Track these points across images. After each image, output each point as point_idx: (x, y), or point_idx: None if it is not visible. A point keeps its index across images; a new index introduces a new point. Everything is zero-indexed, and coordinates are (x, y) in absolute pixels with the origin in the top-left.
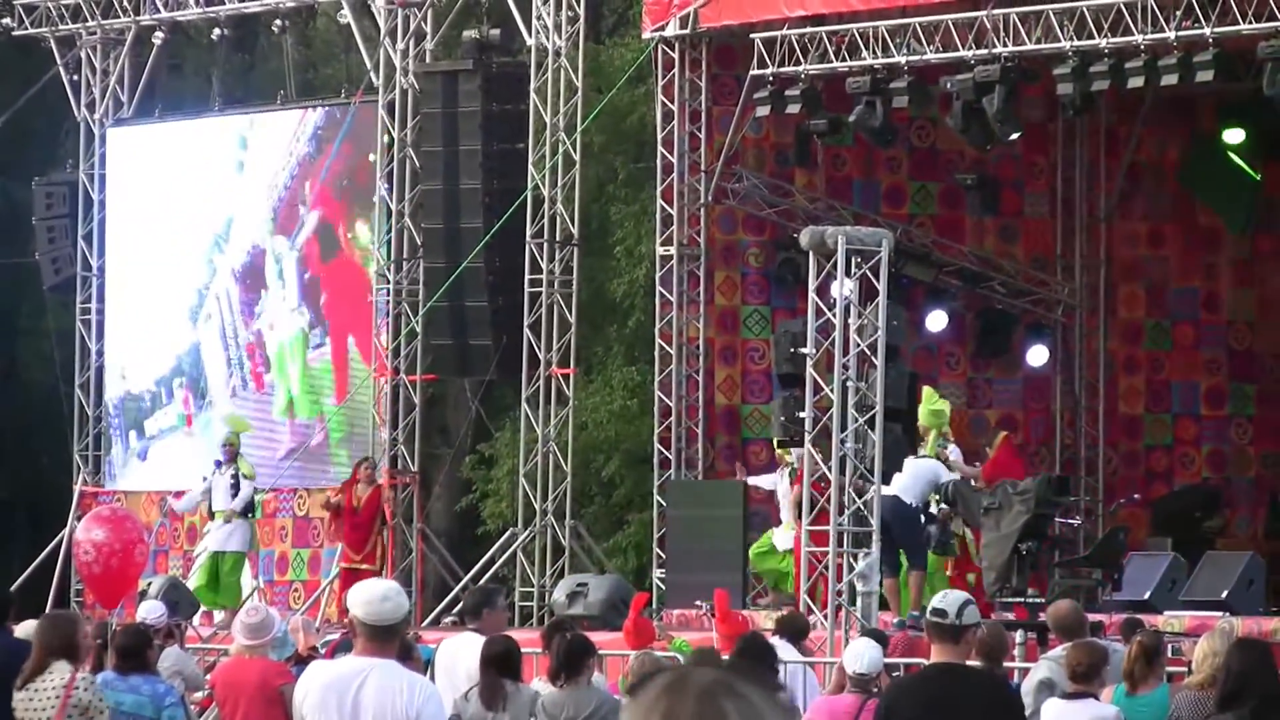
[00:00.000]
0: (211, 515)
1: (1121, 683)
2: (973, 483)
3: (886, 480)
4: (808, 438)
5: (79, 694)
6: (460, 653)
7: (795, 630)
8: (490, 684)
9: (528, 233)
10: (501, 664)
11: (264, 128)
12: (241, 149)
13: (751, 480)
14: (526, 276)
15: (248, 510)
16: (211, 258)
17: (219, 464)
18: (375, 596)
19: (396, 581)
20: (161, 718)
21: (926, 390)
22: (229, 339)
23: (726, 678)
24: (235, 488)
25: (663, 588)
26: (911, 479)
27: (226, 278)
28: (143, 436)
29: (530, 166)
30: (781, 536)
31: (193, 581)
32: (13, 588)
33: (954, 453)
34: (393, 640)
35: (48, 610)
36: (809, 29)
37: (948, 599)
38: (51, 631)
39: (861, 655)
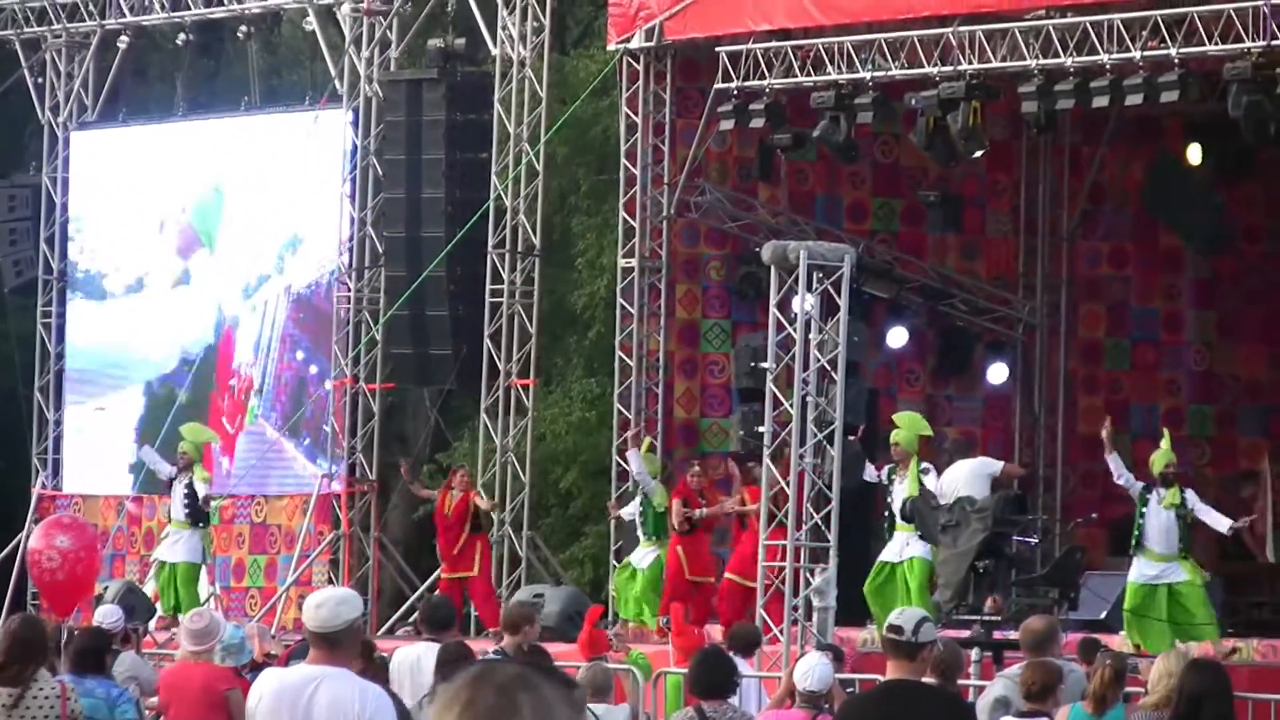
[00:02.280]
0: (169, 519)
1: (1077, 702)
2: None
3: (844, 495)
4: (766, 452)
5: (71, 705)
6: (421, 661)
7: (745, 643)
8: None
9: (489, 243)
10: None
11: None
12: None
13: (630, 456)
14: (488, 286)
15: (198, 520)
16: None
17: (175, 473)
18: (312, 603)
19: (354, 591)
20: (114, 715)
21: (911, 415)
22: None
23: (525, 673)
24: (190, 497)
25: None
26: (973, 482)
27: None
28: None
29: (493, 176)
30: (638, 554)
31: (149, 588)
32: None
33: (933, 477)
34: (341, 648)
35: (7, 615)
36: (774, 43)
37: (904, 616)
38: (33, 639)
39: (811, 672)
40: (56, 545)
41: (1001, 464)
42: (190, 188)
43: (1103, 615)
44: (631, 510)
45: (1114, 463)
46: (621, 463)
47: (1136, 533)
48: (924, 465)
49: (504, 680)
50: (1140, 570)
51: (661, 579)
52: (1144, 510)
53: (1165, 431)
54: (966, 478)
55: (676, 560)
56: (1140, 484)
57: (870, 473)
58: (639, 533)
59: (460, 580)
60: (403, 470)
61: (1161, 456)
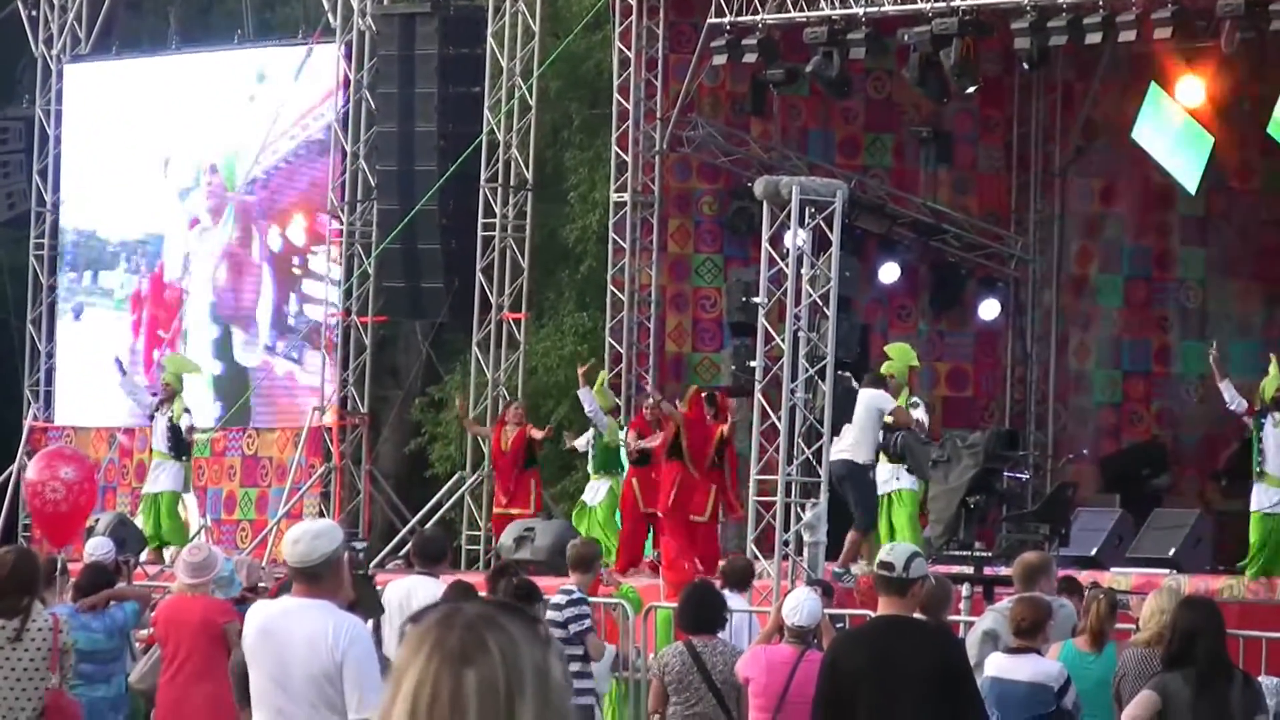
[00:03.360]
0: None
1: (1070, 639)
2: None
3: (836, 431)
4: (758, 387)
5: (64, 637)
6: (412, 595)
7: (739, 578)
8: None
9: (482, 177)
10: None
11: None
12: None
13: (582, 393)
14: (480, 220)
15: (181, 451)
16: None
17: (159, 404)
18: (289, 539)
19: (335, 522)
20: (126, 637)
21: (902, 346)
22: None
23: (491, 612)
24: (173, 429)
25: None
26: (859, 431)
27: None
28: (95, 284)
29: (486, 111)
30: (590, 489)
31: (140, 523)
32: None
33: (921, 412)
34: (321, 581)
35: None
36: None
37: (895, 552)
38: (28, 571)
39: (800, 607)
40: (61, 476)
41: (895, 405)
42: (210, 144)
43: (1093, 551)
44: (585, 441)
45: (1225, 389)
46: (612, 397)
47: (1258, 459)
48: (913, 399)
49: (471, 620)
50: (1260, 499)
51: (614, 512)
52: (1260, 435)
53: (1275, 357)
54: (861, 407)
55: (631, 492)
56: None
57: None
58: (590, 467)
59: (511, 517)
60: (459, 405)
61: (1272, 381)
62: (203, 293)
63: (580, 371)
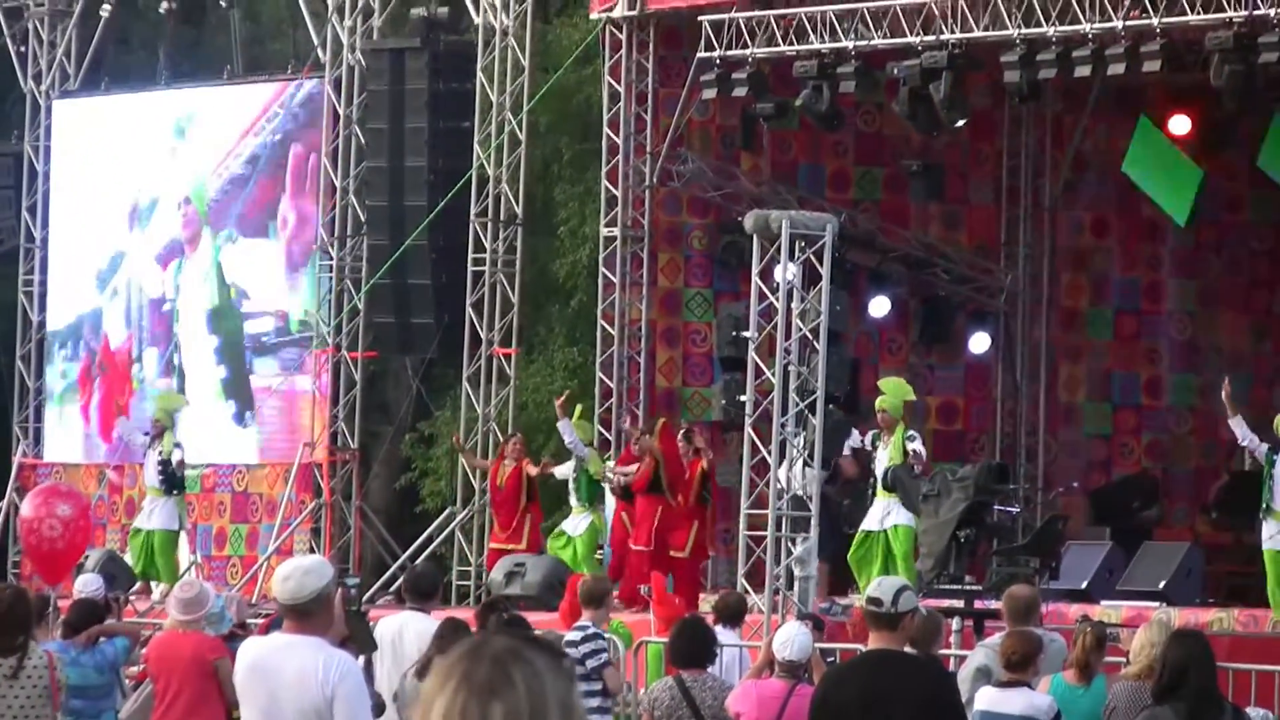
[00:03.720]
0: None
1: (1059, 673)
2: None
3: (825, 466)
4: (748, 421)
5: (58, 674)
6: (404, 631)
7: (732, 614)
8: None
9: (472, 212)
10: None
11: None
12: (177, 136)
13: (561, 425)
14: (470, 255)
15: (173, 487)
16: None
17: (150, 440)
18: (279, 576)
19: (325, 559)
20: (118, 674)
21: (896, 381)
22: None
23: (518, 646)
24: (164, 464)
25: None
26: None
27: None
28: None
29: (476, 145)
30: (572, 521)
31: (129, 559)
32: None
33: (919, 444)
34: (312, 618)
35: None
36: (756, 12)
37: (883, 586)
38: (25, 609)
39: (790, 642)
40: (58, 514)
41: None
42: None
43: (1084, 585)
44: (566, 470)
45: (1237, 425)
46: (603, 431)
47: (1266, 495)
48: (910, 433)
49: (498, 653)
50: (1270, 535)
51: (594, 547)
52: (1272, 472)
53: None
54: None
55: (621, 525)
56: (1265, 445)
57: (855, 438)
58: (572, 498)
59: (505, 553)
60: (455, 440)
61: None
62: (194, 311)
63: (558, 403)
